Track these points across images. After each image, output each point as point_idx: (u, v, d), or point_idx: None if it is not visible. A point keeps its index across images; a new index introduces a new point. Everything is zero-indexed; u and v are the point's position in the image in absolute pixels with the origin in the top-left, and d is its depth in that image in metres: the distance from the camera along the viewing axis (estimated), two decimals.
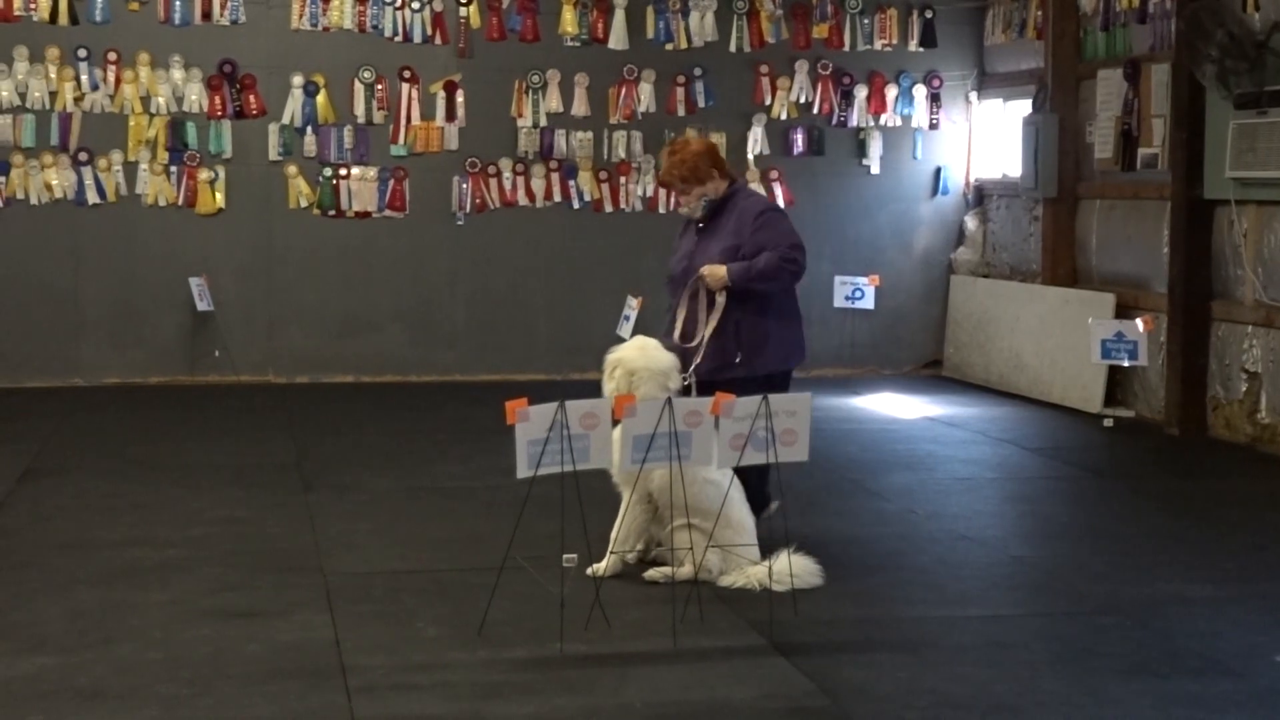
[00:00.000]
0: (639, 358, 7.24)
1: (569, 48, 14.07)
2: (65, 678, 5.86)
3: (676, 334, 7.78)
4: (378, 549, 7.89)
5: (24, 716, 5.47)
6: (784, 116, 14.38)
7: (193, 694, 5.71)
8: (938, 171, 14.72)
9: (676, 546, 7.13)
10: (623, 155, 14.17)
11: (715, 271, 7.61)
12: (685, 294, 7.78)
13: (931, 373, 14.67)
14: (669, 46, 14.20)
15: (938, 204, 14.81)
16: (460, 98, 13.89)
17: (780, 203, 14.21)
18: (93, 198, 13.29)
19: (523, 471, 6.30)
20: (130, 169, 13.39)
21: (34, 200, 13.20)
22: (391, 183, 13.81)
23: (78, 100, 13.23)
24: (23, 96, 13.15)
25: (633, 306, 11.18)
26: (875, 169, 14.59)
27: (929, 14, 14.52)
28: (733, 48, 14.26)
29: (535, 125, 14.01)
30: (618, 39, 14.10)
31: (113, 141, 13.34)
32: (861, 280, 13.06)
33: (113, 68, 13.28)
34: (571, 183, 14.11)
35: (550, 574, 6.98)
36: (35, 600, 6.90)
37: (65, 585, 7.14)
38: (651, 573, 7.19)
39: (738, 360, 7.68)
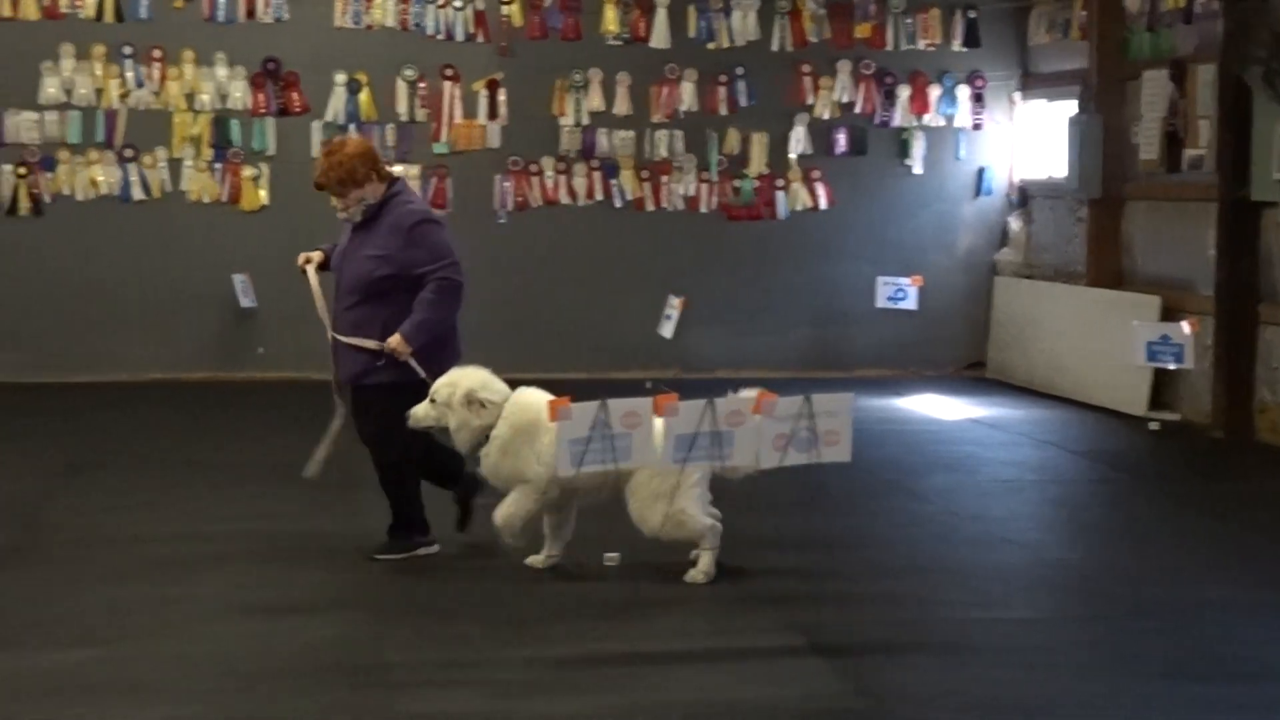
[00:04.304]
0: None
1: (610, 46, 14.09)
2: (109, 671, 5.91)
3: (336, 336, 7.62)
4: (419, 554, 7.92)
5: (69, 709, 5.52)
6: (826, 116, 14.36)
7: (236, 689, 5.75)
8: (981, 172, 14.67)
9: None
10: (664, 154, 14.18)
11: (399, 348, 7.31)
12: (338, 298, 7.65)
13: (974, 374, 14.62)
14: (710, 45, 14.20)
15: (981, 205, 14.76)
16: (502, 96, 13.93)
17: (823, 202, 14.22)
18: (137, 194, 13.40)
19: (565, 470, 6.34)
20: (174, 165, 13.49)
21: (79, 197, 13.32)
22: (433, 181, 13.85)
23: (123, 97, 13.34)
24: (69, 93, 13.26)
25: (674, 306, 11.18)
26: (918, 169, 14.55)
27: (972, 14, 14.47)
28: (774, 47, 14.25)
29: (577, 124, 14.04)
30: (659, 38, 14.11)
31: (157, 138, 13.44)
32: (904, 281, 13.02)
33: (157, 65, 13.38)
34: (613, 181, 14.13)
35: (591, 572, 7.00)
36: (79, 593, 6.96)
37: (109, 579, 7.21)
38: (692, 574, 7.19)
39: (380, 364, 7.46)
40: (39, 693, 5.68)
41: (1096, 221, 13.33)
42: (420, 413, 7.17)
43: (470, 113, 13.91)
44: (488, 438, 7.16)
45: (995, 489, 9.64)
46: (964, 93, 14.53)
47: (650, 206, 14.21)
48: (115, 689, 5.72)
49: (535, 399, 7.24)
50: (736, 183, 14.29)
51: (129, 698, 5.63)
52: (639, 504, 7.10)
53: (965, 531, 8.48)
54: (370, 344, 7.37)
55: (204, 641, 6.31)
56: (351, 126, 13.62)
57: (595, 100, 14.03)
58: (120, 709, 5.52)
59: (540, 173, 14.04)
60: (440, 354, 7.47)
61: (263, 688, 5.76)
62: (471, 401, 7.11)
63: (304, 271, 7.73)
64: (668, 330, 11.53)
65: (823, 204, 14.27)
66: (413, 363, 7.34)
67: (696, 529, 7.14)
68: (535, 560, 7.37)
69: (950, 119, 14.56)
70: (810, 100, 14.33)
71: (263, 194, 13.65)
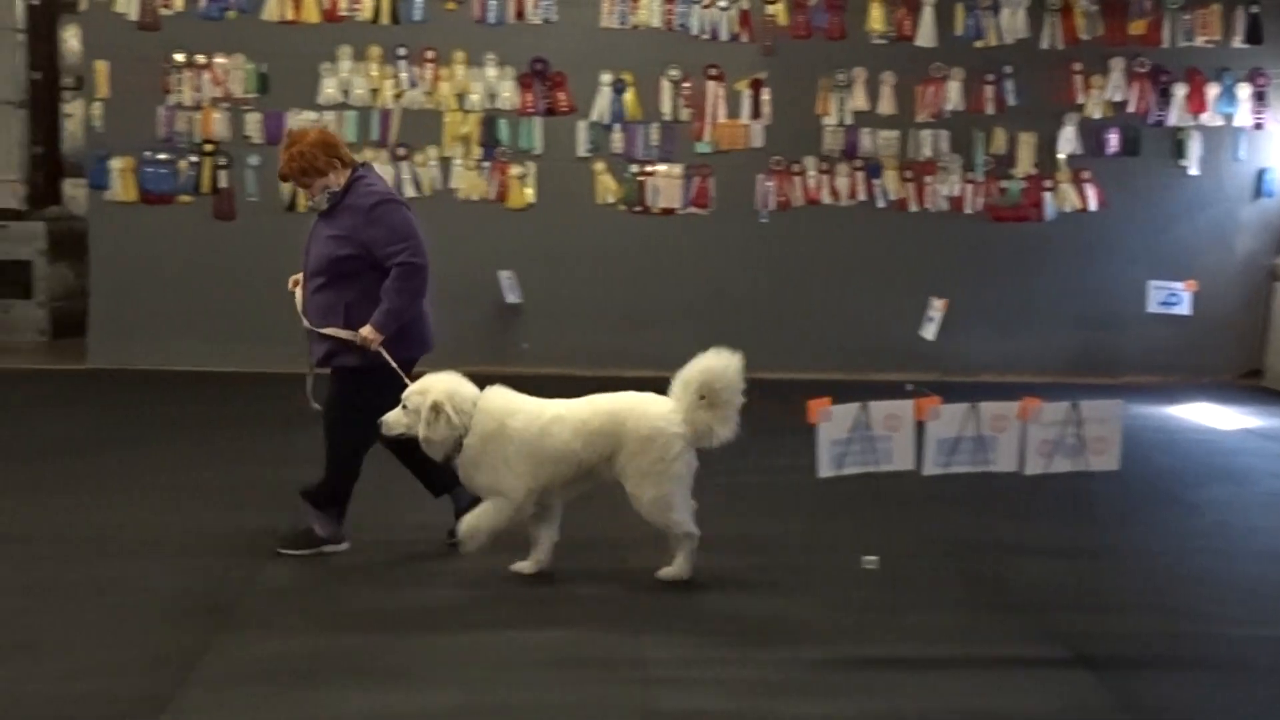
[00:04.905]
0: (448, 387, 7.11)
1: (876, 45, 13.91)
2: (375, 657, 6.02)
3: (310, 321, 7.51)
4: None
5: (338, 691, 5.65)
6: (1097, 115, 13.95)
7: (493, 678, 5.81)
8: (1261, 173, 14.07)
9: None
10: (928, 154, 13.95)
11: (370, 337, 7.25)
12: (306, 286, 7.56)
13: (1251, 382, 14.04)
14: (978, 43, 13.92)
15: (1261, 207, 14.15)
16: (765, 95, 13.87)
17: (1093, 204, 13.82)
18: (409, 191, 13.70)
19: (824, 471, 6.24)
20: (445, 164, 13.78)
21: None
22: (696, 180, 13.87)
23: (397, 97, 13.68)
24: (346, 94, 13.65)
25: (937, 308, 10.97)
26: (1194, 170, 14.02)
27: (1254, 9, 13.89)
28: (1044, 44, 13.90)
29: (840, 123, 13.91)
30: (925, 36, 13.89)
31: (429, 137, 13.74)
32: (1177, 285, 12.53)
33: (430, 66, 13.67)
34: (876, 181, 13.96)
35: (847, 575, 6.89)
36: (351, 580, 7.12)
37: (380, 567, 7.35)
38: (666, 571, 7.08)
39: (352, 347, 7.35)
40: (307, 676, 5.82)
41: None
42: (393, 419, 7.08)
43: (733, 112, 13.89)
44: (462, 446, 7.05)
45: (1273, 502, 9.22)
46: (1244, 91, 13.95)
47: (913, 207, 14.00)
48: (382, 674, 5.83)
49: (501, 403, 7.16)
50: (1003, 183, 13.98)
51: (394, 683, 5.74)
52: (631, 483, 7.03)
53: (1240, 545, 8.12)
54: (344, 334, 7.36)
55: (464, 631, 6.39)
56: (617, 126, 13.73)
57: (859, 99, 13.88)
58: (386, 693, 5.63)
59: (802, 172, 13.94)
60: (406, 338, 7.45)
61: (520, 677, 5.81)
62: (439, 412, 6.99)
63: (293, 292, 7.72)
64: (930, 332, 11.31)
65: (1092, 205, 13.86)
66: (383, 352, 7.32)
67: (679, 519, 7.05)
68: (523, 566, 7.22)
69: (1229, 118, 14.00)
70: (1080, 99, 13.93)
71: (529, 192, 13.84)
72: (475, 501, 7.20)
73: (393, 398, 7.11)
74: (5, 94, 15.72)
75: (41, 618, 6.45)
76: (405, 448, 7.33)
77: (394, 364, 7.27)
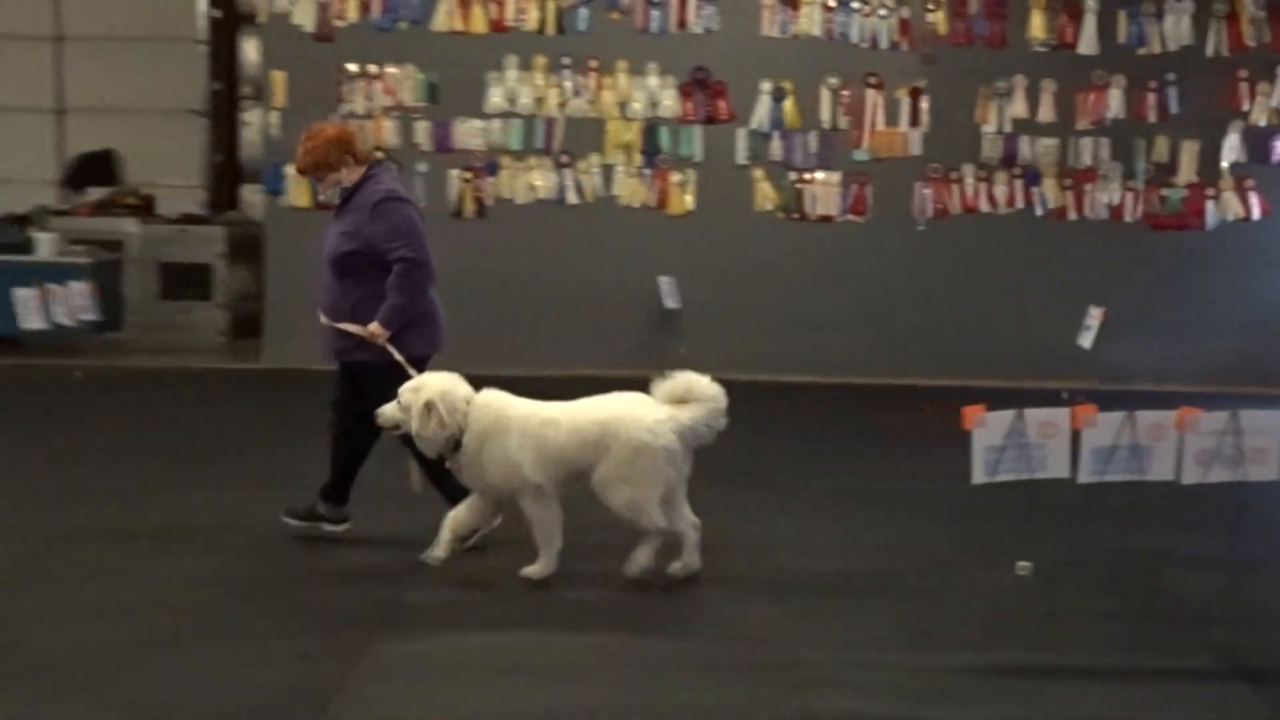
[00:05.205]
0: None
1: (1037, 52, 13.76)
2: (526, 655, 6.12)
3: (327, 315, 7.58)
4: (823, 547, 7.91)
5: (492, 687, 5.76)
6: (1263, 123, 13.64)
7: (643, 677, 5.87)
8: None
9: None
10: (1089, 162, 13.76)
11: (376, 333, 7.36)
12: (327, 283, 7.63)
13: None
14: (1140, 51, 13.69)
15: None
16: (924, 103, 13.80)
17: (1256, 213, 13.52)
18: (572, 198, 13.86)
19: (979, 477, 6.22)
20: (607, 171, 13.89)
21: (519, 200, 13.88)
22: (854, 187, 13.84)
23: (561, 106, 13.83)
24: (512, 102, 13.83)
25: (1094, 316, 10.84)
26: None
27: None
28: (1209, 51, 13.63)
29: (999, 131, 13.78)
30: (1087, 43, 13.70)
31: (591, 145, 13.87)
32: None
33: (593, 75, 13.80)
34: (1034, 189, 13.80)
35: (999, 582, 6.86)
36: (504, 578, 7.19)
37: (527, 564, 7.42)
38: (628, 565, 7.03)
39: (357, 344, 7.45)
40: (467, 672, 5.93)
41: None
42: (387, 413, 7.11)
43: (892, 120, 13.83)
44: (458, 445, 7.03)
45: None
46: None
47: (1072, 215, 13.82)
48: (529, 672, 5.92)
49: (496, 399, 7.16)
50: (1163, 191, 13.74)
51: (542, 681, 5.81)
52: (605, 487, 7.00)
53: None
54: (354, 329, 7.44)
55: (614, 630, 6.46)
56: (776, 134, 13.75)
57: (1019, 107, 13.74)
58: (533, 691, 5.71)
59: (960, 180, 13.84)
60: (416, 336, 7.52)
61: (671, 677, 5.87)
62: (431, 410, 6.97)
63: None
64: (1087, 340, 11.21)
65: (1255, 214, 13.57)
66: (390, 347, 7.38)
67: (650, 521, 7.00)
68: (532, 570, 7.14)
69: None
70: (1246, 106, 13.64)
71: (689, 199, 13.91)
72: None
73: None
74: (188, 104, 16.20)
75: (229, 609, 6.66)
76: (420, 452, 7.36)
77: (401, 360, 7.35)
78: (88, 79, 16.48)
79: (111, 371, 13.17)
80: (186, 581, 7.03)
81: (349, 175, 7.61)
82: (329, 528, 7.77)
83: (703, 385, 7.18)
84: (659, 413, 7.10)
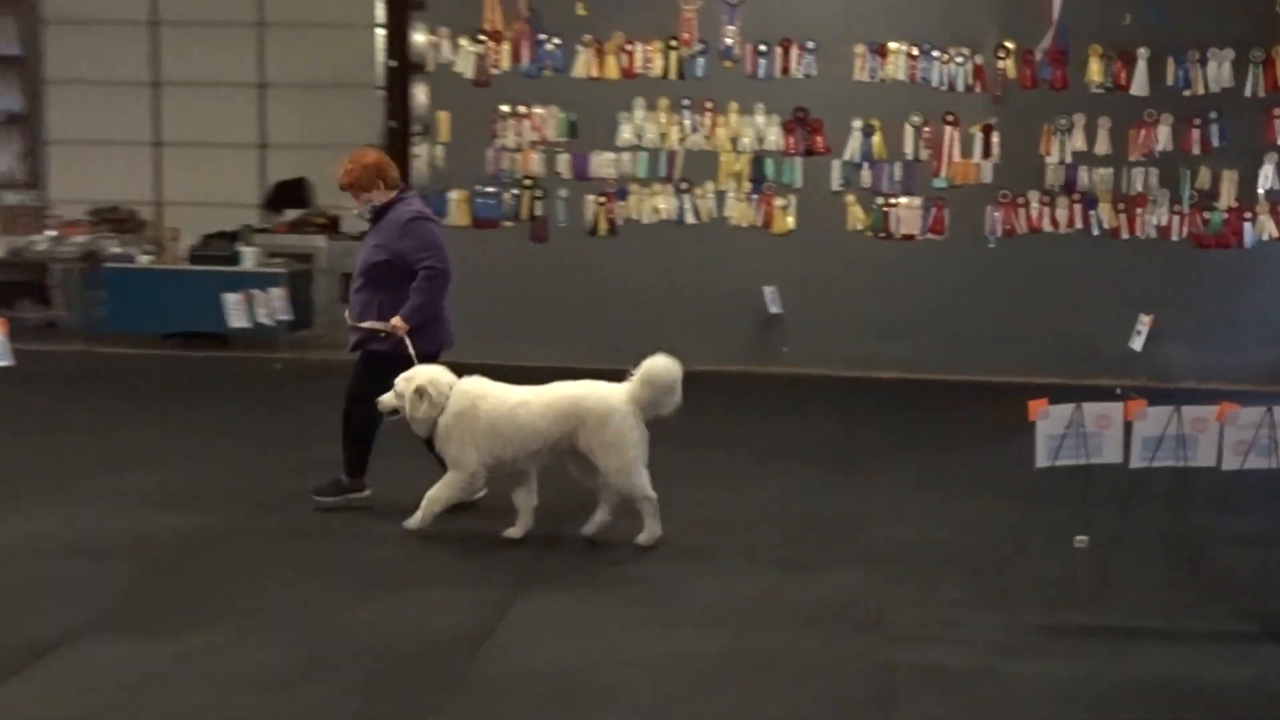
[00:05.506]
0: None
1: (1094, 94, 13.52)
2: (652, 607, 6.15)
3: (353, 318, 7.69)
4: (905, 522, 7.86)
5: (614, 636, 5.79)
6: None
7: (754, 629, 5.88)
8: None
9: None
10: (1140, 189, 13.49)
11: (398, 326, 7.47)
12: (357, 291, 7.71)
13: None
14: (1186, 92, 13.38)
15: None
16: (995, 138, 13.61)
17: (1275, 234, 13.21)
18: (690, 219, 13.85)
19: (1042, 461, 6.14)
20: (719, 196, 13.86)
21: (645, 221, 13.90)
22: (933, 210, 13.70)
23: (681, 140, 13.83)
24: (639, 137, 13.85)
25: (1144, 322, 10.60)
26: None
27: None
28: (1248, 92, 13.30)
29: (1061, 162, 13.55)
30: (1139, 86, 13.43)
31: (706, 173, 13.85)
32: None
33: (709, 114, 13.79)
34: (1091, 212, 13.56)
35: (1060, 553, 6.75)
36: (623, 543, 7.24)
37: (680, 530, 7.38)
38: (641, 537, 7.07)
39: (379, 338, 7.55)
40: (607, 621, 5.95)
41: None
42: (386, 399, 7.20)
43: (967, 152, 13.66)
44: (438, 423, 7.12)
45: None
46: None
47: (1125, 234, 13.56)
48: (656, 623, 5.95)
49: (475, 386, 7.19)
50: (1206, 214, 13.44)
51: (666, 631, 5.83)
52: (598, 455, 7.00)
53: None
54: (378, 325, 7.51)
55: (730, 586, 6.47)
56: (865, 164, 13.65)
57: (1078, 141, 13.51)
58: (657, 640, 5.73)
59: (1026, 204, 13.63)
60: (429, 334, 7.57)
61: (778, 629, 5.86)
62: (421, 394, 7.06)
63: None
64: (1137, 344, 10.93)
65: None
66: (407, 340, 7.43)
67: (639, 484, 6.99)
68: (513, 532, 7.22)
69: None
70: (1279, 140, 13.30)
71: (790, 220, 13.85)
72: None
73: None
74: (367, 139, 16.35)
75: (410, 566, 6.75)
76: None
77: (413, 353, 7.41)
78: (285, 119, 16.78)
79: (304, 363, 13.41)
80: (378, 540, 7.12)
81: (379, 197, 7.72)
82: (355, 496, 7.84)
83: (657, 371, 7.15)
84: (617, 389, 7.14)
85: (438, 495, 7.20)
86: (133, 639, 5.60)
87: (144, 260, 14.80)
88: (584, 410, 7.07)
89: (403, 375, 7.24)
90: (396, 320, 7.51)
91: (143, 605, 6.05)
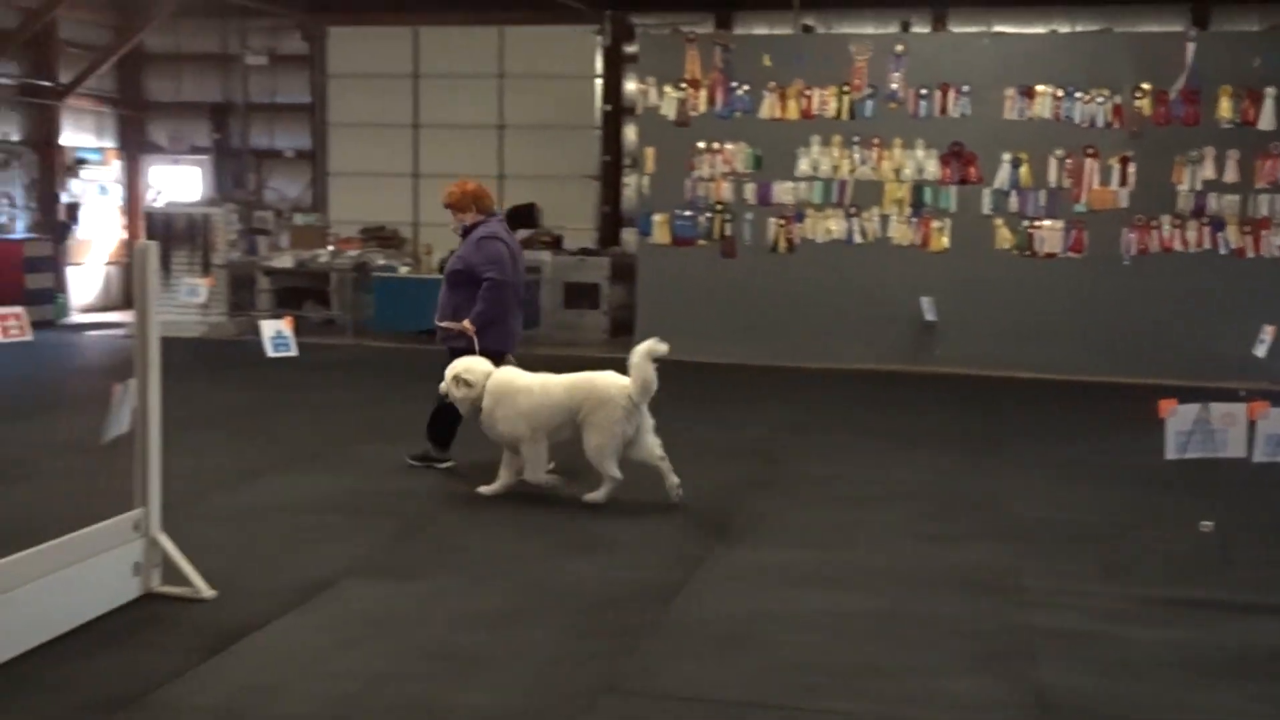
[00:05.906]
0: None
1: (1224, 129, 12.85)
2: (813, 570, 6.06)
3: (438, 317, 7.81)
4: (1043, 503, 7.58)
5: (781, 593, 5.71)
6: None
7: (902, 591, 5.75)
8: None
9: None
10: (1264, 213, 12.78)
11: (466, 327, 7.61)
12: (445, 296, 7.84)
13: None
14: None
15: None
16: (1131, 169, 13.05)
17: None
18: (857, 239, 13.66)
19: (1171, 454, 5.86)
20: (884, 219, 13.63)
21: (818, 240, 13.76)
22: (1074, 232, 13.21)
23: (850, 171, 13.64)
24: (814, 169, 13.72)
25: (1267, 332, 10.03)
26: None
27: None
28: None
29: (1191, 189, 12.93)
30: (1266, 121, 12.72)
31: (872, 200, 13.63)
32: None
33: (875, 149, 13.56)
34: (1219, 234, 12.90)
35: (1184, 533, 6.44)
36: (800, 512, 7.20)
37: (820, 504, 7.40)
38: (589, 495, 7.11)
39: (455, 336, 7.66)
40: (775, 581, 5.92)
41: None
42: (441, 388, 7.31)
43: (1105, 181, 13.14)
44: (481, 407, 7.19)
45: None
46: None
47: (1250, 254, 12.86)
48: (817, 582, 5.87)
49: (509, 373, 7.29)
50: None
51: (826, 590, 5.75)
52: (587, 431, 7.06)
53: None
54: (453, 325, 7.67)
55: (882, 554, 6.35)
56: (1013, 192, 13.25)
57: (1208, 171, 12.86)
58: (816, 596, 5.65)
59: (1159, 227, 13.04)
60: (494, 335, 7.65)
61: (922, 592, 5.73)
62: (458, 380, 7.19)
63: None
64: (1261, 351, 10.35)
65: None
66: (475, 339, 7.51)
67: (609, 465, 7.05)
68: (486, 489, 7.26)
69: None
70: None
71: (945, 240, 13.53)
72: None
73: None
74: (586, 171, 16.64)
75: (607, 526, 6.79)
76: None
77: (478, 349, 7.52)
78: (519, 154, 17.11)
79: (532, 359, 13.57)
80: (578, 510, 7.20)
81: (470, 218, 7.94)
82: (440, 464, 8.01)
83: (648, 377, 7.06)
84: (622, 382, 7.12)
85: (535, 476, 7.26)
86: (388, 581, 5.77)
87: (404, 270, 15.29)
88: (591, 390, 7.17)
89: (450, 366, 7.45)
90: (466, 322, 7.72)
91: (397, 553, 6.22)
